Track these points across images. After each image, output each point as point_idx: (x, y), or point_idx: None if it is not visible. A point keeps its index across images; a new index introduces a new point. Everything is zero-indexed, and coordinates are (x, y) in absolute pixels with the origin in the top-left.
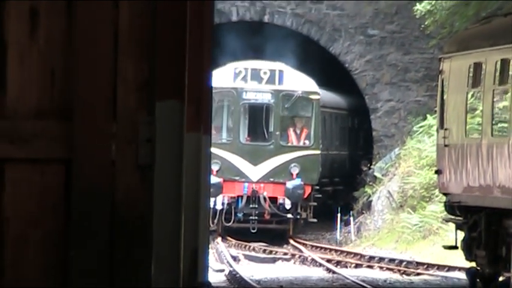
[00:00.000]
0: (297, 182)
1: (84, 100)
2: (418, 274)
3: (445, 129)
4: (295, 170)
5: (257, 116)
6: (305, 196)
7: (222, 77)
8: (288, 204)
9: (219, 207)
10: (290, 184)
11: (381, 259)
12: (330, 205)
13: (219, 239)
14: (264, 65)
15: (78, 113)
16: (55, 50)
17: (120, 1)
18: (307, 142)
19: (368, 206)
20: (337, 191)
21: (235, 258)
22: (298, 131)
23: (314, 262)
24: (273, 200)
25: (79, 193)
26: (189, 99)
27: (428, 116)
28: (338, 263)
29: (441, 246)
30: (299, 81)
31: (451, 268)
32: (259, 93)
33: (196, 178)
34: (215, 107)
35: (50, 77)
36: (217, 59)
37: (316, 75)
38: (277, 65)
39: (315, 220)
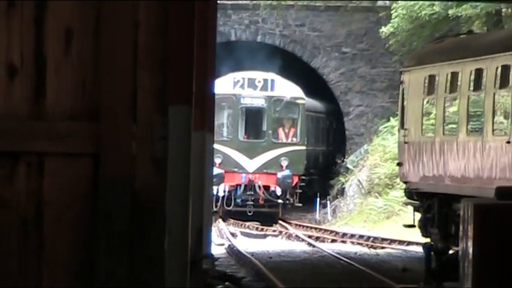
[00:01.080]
0: (286, 172)
1: (109, 105)
2: (383, 248)
3: (405, 129)
4: (284, 163)
5: (252, 117)
6: (293, 184)
7: (223, 85)
8: (278, 192)
9: (221, 194)
10: (280, 175)
11: (352, 235)
12: (311, 191)
13: (220, 220)
14: (258, 75)
15: (105, 115)
16: (85, 64)
17: (140, 22)
18: (294, 139)
19: (342, 192)
20: (317, 180)
21: (233, 235)
22: (286, 130)
23: (298, 238)
24: (266, 187)
25: (105, 182)
26: (196, 104)
27: (391, 118)
28: (317, 238)
29: (402, 225)
30: (288, 89)
31: (410, 243)
32: (254, 99)
33: (201, 169)
34: (217, 110)
35: (81, 85)
36: (219, 70)
37: (300, 85)
38: (269, 75)
39: (300, 204)
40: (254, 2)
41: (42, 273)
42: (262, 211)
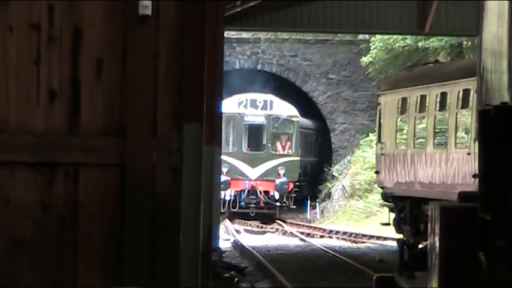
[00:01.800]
0: (283, 179)
1: (134, 123)
2: (363, 242)
3: (382, 143)
4: (281, 171)
5: (254, 132)
6: (289, 190)
7: (229, 105)
8: (276, 196)
9: (227, 197)
10: (278, 181)
11: (337, 232)
12: (303, 195)
13: (227, 220)
14: (259, 97)
15: (130, 132)
16: (114, 88)
17: (160, 53)
18: (290, 151)
19: (328, 195)
20: (308, 185)
21: (237, 232)
22: (283, 143)
23: (292, 234)
24: (266, 192)
25: (129, 188)
26: (206, 122)
27: (370, 133)
28: (308, 234)
29: (379, 223)
30: (284, 108)
31: (385, 238)
32: (255, 117)
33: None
34: (224, 127)
35: (110, 106)
36: (225, 93)
37: (293, 105)
38: (268, 97)
39: (295, 206)
40: (255, 36)
41: (77, 266)
42: (263, 212)
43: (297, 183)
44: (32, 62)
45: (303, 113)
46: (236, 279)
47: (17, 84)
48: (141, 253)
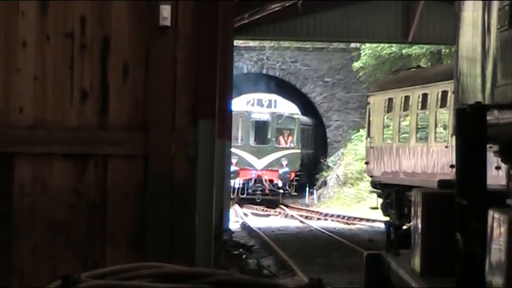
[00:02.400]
0: (286, 169)
1: (155, 120)
2: (355, 224)
3: (371, 137)
4: (284, 162)
5: (260, 128)
6: (290, 178)
7: (239, 104)
8: (280, 184)
9: (237, 185)
10: (281, 171)
11: (332, 215)
12: (303, 183)
13: (236, 205)
14: (264, 96)
15: (152, 127)
16: (138, 89)
17: (178, 59)
18: (291, 144)
19: (324, 183)
20: (306, 174)
21: (245, 215)
22: (286, 138)
23: (292, 217)
24: (271, 181)
25: (152, 176)
26: (218, 118)
27: (360, 129)
28: (306, 217)
29: (368, 207)
30: (287, 106)
31: (374, 221)
32: (261, 114)
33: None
34: (234, 123)
35: (134, 105)
36: (235, 93)
37: (294, 105)
38: (273, 96)
39: (296, 193)
40: (260, 44)
41: (106, 245)
42: (267, 198)
43: (298, 173)
44: (66, 67)
45: (302, 112)
46: (244, 256)
47: (53, 86)
48: (162, 233)
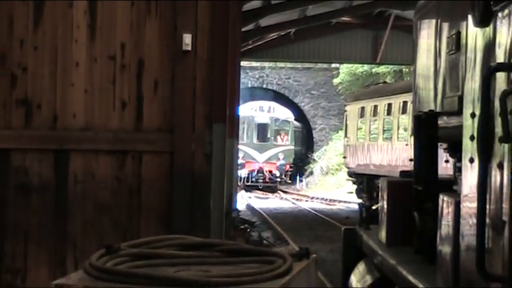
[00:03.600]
0: (282, 162)
1: (179, 124)
2: (335, 205)
3: (347, 137)
4: (281, 156)
5: (261, 129)
6: (286, 169)
7: (245, 110)
8: (277, 174)
9: (243, 175)
10: (279, 163)
11: (317, 198)
12: (295, 173)
13: (243, 190)
14: (265, 104)
15: (177, 129)
16: (166, 100)
17: (197, 77)
18: (287, 142)
19: (311, 173)
20: (298, 166)
21: (250, 198)
22: (282, 137)
23: (286, 199)
24: (270, 171)
25: (177, 167)
26: (228, 122)
27: (339, 131)
28: (297, 199)
29: (346, 192)
30: (283, 112)
31: (350, 202)
32: (263, 118)
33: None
34: (241, 125)
35: (163, 113)
36: (242, 101)
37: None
38: (271, 104)
39: (290, 181)
40: (261, 65)
41: (140, 221)
42: (267, 185)
43: (291, 165)
44: (109, 82)
45: (294, 117)
46: (248, 230)
47: (99, 97)
48: (184, 212)
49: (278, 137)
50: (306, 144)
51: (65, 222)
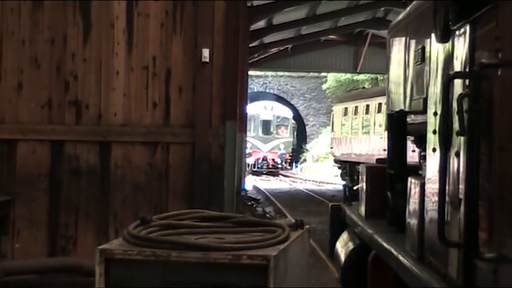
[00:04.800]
0: (283, 151)
1: (199, 120)
2: (323, 185)
3: (334, 132)
4: (281, 147)
5: (265, 124)
6: (285, 157)
7: (252, 109)
8: (278, 161)
9: (250, 162)
10: (279, 152)
11: (309, 180)
12: (292, 160)
13: (250, 174)
14: (268, 104)
15: (197, 125)
16: (188, 102)
17: (213, 83)
18: (286, 135)
19: (304, 160)
20: (294, 155)
21: (255, 180)
22: (282, 131)
23: (285, 181)
24: (273, 159)
25: (197, 156)
26: (238, 119)
27: (327, 126)
28: (293, 181)
29: (333, 175)
30: (283, 110)
31: (336, 184)
32: (266, 115)
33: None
34: (248, 121)
35: (186, 112)
36: (250, 101)
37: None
38: (273, 103)
39: (289, 167)
40: (265, 73)
41: (168, 199)
42: (270, 170)
43: (290, 154)
44: (143, 87)
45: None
46: (254, 206)
47: (135, 100)
48: (203, 191)
49: (279, 131)
50: (301, 137)
51: (107, 199)
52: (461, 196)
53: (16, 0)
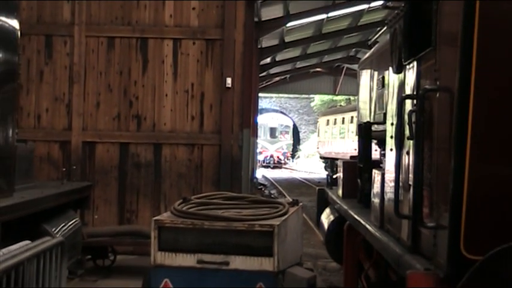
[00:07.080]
0: (285, 151)
1: (224, 128)
2: (312, 175)
3: (319, 136)
4: (284, 147)
5: (272, 130)
6: (287, 156)
7: (261, 119)
8: (282, 158)
9: (261, 159)
10: (283, 152)
11: (302, 171)
12: (291, 157)
13: (260, 167)
14: (274, 115)
15: (223, 132)
16: (217, 115)
17: (234, 102)
18: (288, 138)
19: (299, 157)
20: (292, 153)
21: (264, 171)
22: (285, 135)
23: (286, 172)
24: (278, 157)
25: (223, 154)
26: (252, 127)
27: (315, 133)
28: (291, 172)
29: (319, 168)
30: (285, 120)
31: (321, 174)
32: (273, 123)
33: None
34: (259, 129)
35: (215, 122)
36: (260, 113)
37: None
38: (278, 115)
39: (288, 162)
40: (270, 96)
41: (202, 184)
42: (276, 165)
43: (290, 153)
44: (185, 105)
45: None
46: (263, 189)
47: (179, 114)
48: (226, 179)
49: (282, 135)
50: (297, 140)
51: (159, 184)
52: (411, 182)
53: (95, 42)
